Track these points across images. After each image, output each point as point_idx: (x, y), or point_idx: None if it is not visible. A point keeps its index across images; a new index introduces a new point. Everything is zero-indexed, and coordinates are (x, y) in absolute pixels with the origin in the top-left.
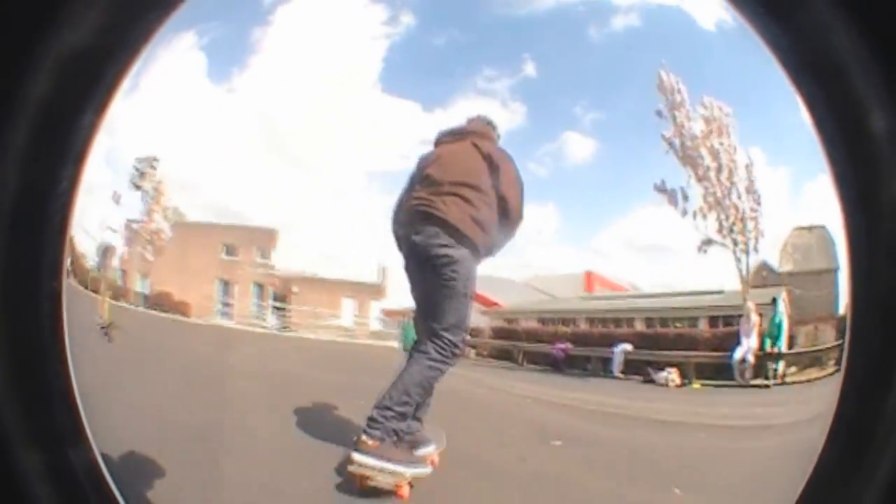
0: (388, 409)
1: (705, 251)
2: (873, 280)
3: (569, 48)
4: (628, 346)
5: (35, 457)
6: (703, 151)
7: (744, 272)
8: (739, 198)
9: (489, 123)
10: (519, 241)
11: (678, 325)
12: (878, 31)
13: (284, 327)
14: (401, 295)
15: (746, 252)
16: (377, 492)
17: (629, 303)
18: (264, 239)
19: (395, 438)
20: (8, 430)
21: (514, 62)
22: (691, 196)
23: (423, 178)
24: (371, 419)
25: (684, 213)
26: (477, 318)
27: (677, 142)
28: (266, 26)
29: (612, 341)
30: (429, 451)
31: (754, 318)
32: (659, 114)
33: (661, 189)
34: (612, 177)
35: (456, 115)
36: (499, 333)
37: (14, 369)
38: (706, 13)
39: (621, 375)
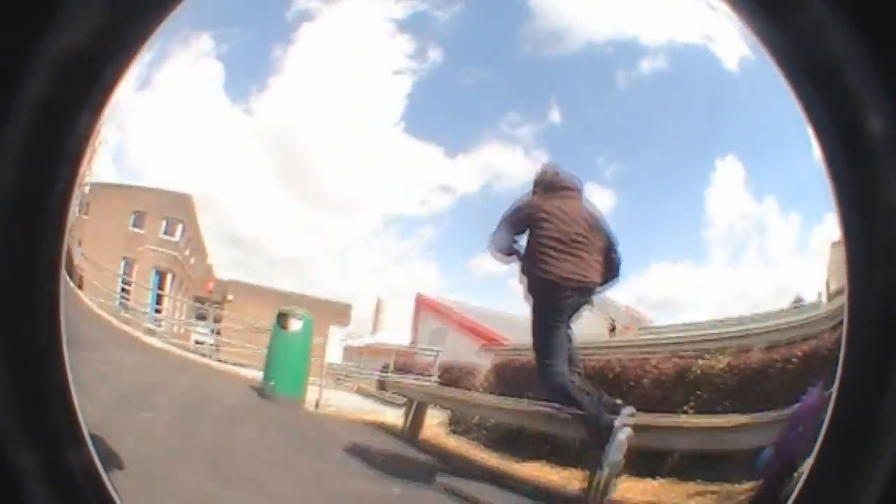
0: None
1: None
2: (871, 281)
3: (593, 94)
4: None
5: (32, 457)
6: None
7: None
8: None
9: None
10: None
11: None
12: (877, 32)
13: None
14: (394, 335)
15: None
16: None
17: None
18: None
19: None
20: (4, 430)
21: (539, 107)
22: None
23: (576, 242)
24: None
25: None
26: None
27: None
28: (274, 39)
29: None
30: None
31: None
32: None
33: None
34: (631, 231)
35: (478, 161)
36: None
37: (11, 369)
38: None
39: None
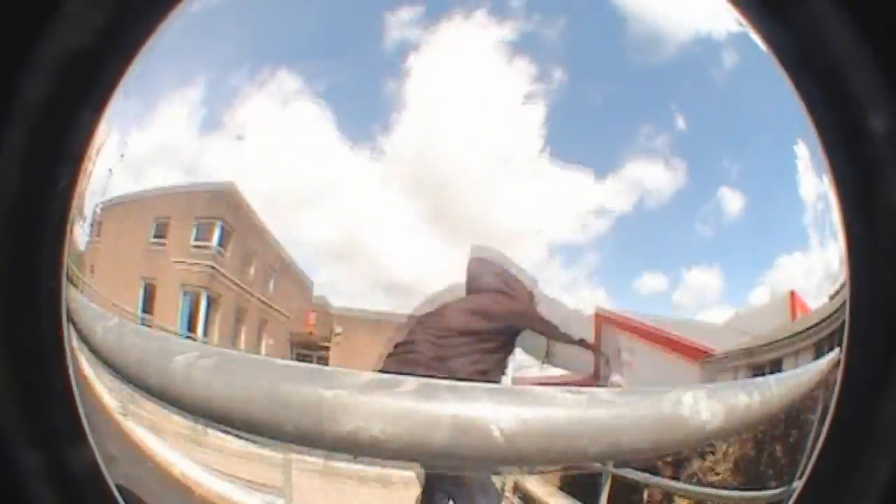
0: None
1: None
2: (872, 281)
3: (701, 93)
4: None
5: (34, 457)
6: None
7: None
8: None
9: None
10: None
11: None
12: (879, 31)
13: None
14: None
15: None
16: None
17: None
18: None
19: None
20: (7, 429)
21: (666, 115)
22: None
23: None
24: None
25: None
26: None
27: None
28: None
29: None
30: None
31: None
32: None
33: None
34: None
35: (625, 178)
36: None
37: (13, 369)
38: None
39: None
